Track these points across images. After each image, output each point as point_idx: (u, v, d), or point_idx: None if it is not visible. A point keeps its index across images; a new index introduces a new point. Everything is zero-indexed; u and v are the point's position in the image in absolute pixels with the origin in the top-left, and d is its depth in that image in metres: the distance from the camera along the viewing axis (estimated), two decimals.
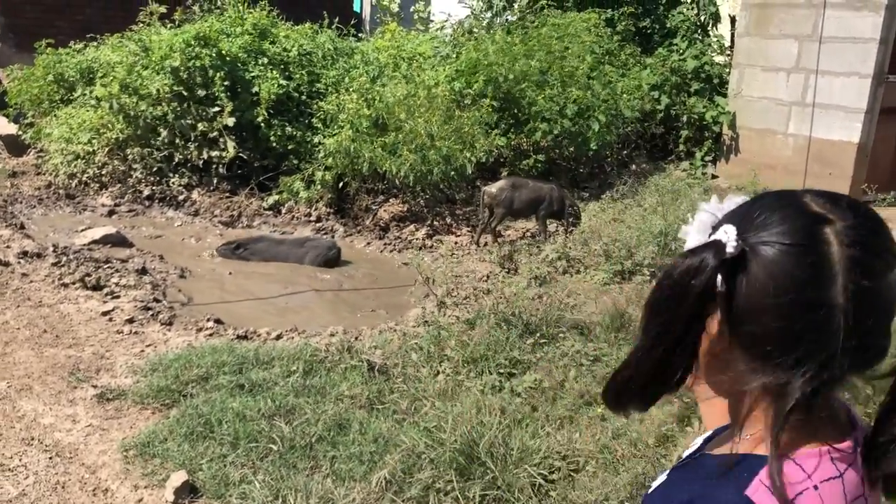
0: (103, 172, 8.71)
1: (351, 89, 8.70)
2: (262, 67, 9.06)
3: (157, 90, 8.45)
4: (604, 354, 4.60)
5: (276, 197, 8.47)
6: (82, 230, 7.53)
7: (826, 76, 8.70)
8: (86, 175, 8.68)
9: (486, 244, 7.72)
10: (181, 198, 8.55)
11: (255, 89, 8.86)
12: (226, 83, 8.65)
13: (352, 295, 6.56)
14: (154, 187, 8.59)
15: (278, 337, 5.26)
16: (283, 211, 8.47)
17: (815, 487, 0.95)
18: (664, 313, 1.02)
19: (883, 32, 8.21)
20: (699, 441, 1.20)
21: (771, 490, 0.94)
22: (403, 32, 11.13)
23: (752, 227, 0.99)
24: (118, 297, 5.80)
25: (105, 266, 6.39)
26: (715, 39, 11.31)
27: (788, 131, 9.19)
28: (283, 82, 8.94)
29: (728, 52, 10.98)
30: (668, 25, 11.48)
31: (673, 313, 1.01)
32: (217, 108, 8.61)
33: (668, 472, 1.16)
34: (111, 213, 8.26)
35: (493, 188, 7.64)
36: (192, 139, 8.63)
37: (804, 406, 0.94)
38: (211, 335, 5.23)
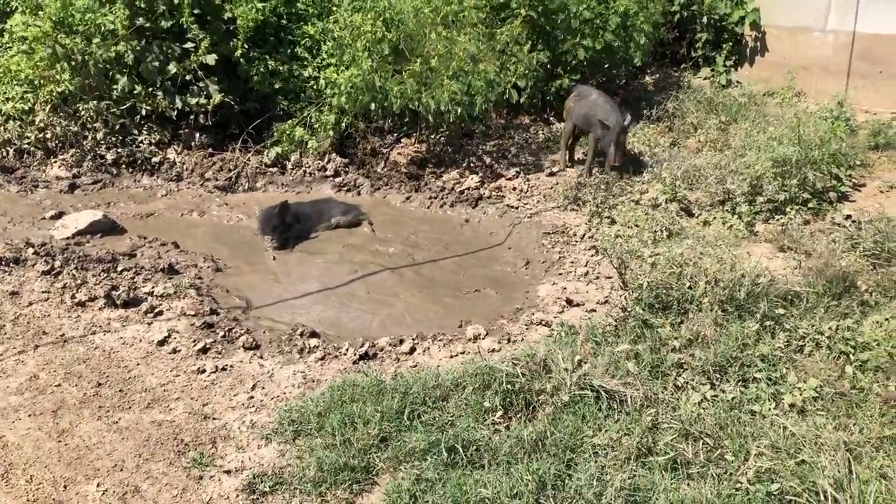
0: (48, 136, 6.87)
1: (352, 8, 7.15)
2: None
3: (112, 24, 6.63)
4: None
5: (278, 149, 6.94)
6: (52, 216, 5.86)
7: None
8: (25, 141, 6.82)
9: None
10: (155, 160, 6.87)
11: (228, 16, 7.15)
12: (195, 11, 6.91)
13: (433, 269, 5.33)
14: (119, 149, 6.83)
15: (411, 350, 4.03)
16: (290, 166, 6.96)
17: None
18: None
19: None
20: None
21: None
22: None
23: None
24: (160, 313, 4.37)
25: (118, 269, 4.87)
26: None
27: (828, 27, 8.37)
28: (260, 5, 7.23)
29: None
30: None
31: None
32: (189, 44, 6.88)
33: None
34: (72, 187, 6.53)
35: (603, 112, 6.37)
36: (160, 84, 6.89)
37: None
38: (323, 359, 3.94)
